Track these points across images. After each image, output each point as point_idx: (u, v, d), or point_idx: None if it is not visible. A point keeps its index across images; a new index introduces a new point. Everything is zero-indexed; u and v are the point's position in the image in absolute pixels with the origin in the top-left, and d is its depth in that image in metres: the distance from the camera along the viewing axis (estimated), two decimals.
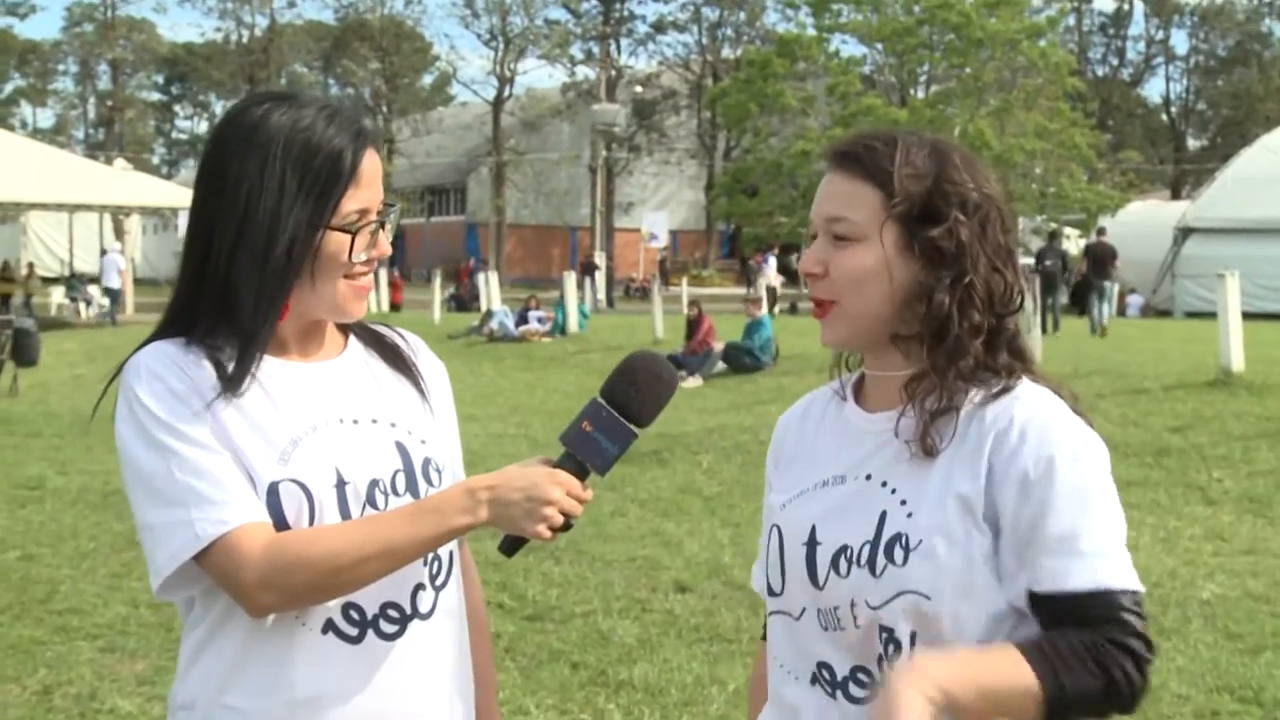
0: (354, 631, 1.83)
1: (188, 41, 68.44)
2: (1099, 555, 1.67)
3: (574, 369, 18.64)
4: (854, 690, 1.77)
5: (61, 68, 74.59)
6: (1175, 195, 51.74)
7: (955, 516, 1.70)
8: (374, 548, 1.75)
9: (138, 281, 38.53)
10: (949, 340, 1.74)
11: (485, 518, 1.77)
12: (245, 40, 57.42)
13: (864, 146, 1.80)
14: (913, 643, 1.71)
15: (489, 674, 2.14)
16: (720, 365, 16.74)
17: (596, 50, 57.53)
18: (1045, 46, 37.90)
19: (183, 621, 1.90)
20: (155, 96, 75.76)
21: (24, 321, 17.37)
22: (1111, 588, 1.66)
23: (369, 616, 1.84)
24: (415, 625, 1.88)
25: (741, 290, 39.41)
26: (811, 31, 40.59)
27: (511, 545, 1.85)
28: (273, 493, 1.78)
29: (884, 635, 1.73)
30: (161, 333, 1.89)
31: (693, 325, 17.90)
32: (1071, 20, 57.02)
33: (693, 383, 16.13)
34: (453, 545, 1.98)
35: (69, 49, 72.15)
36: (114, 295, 31.38)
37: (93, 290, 34.90)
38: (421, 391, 2.01)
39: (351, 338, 2.00)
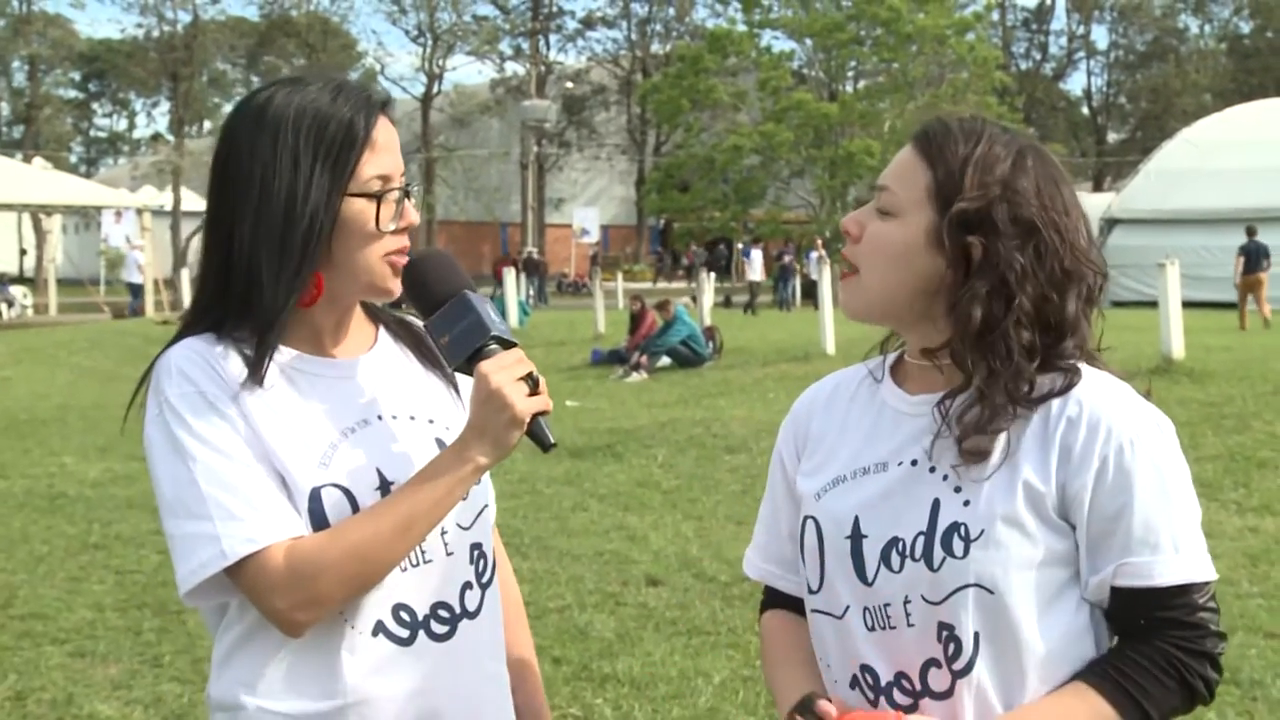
0: (405, 634, 1.77)
1: (106, 38, 67.10)
2: (1181, 548, 1.61)
3: None
4: (898, 697, 1.67)
5: None
6: (1097, 187, 52.52)
7: (1023, 507, 1.61)
8: (389, 526, 1.69)
9: (60, 282, 37.83)
10: (1000, 366, 1.63)
11: (486, 461, 1.72)
12: (167, 36, 56.37)
13: (941, 127, 1.70)
14: (976, 642, 1.62)
15: (534, 662, 2.09)
16: (665, 360, 16.76)
17: (525, 46, 57.34)
18: (973, 41, 38.36)
19: (211, 626, 1.82)
20: (72, 94, 74.27)
21: None
22: (1193, 582, 1.62)
23: (420, 617, 1.78)
24: (464, 625, 1.83)
25: (672, 285, 39.44)
26: (742, 27, 40.78)
27: (540, 440, 1.75)
28: (315, 499, 1.71)
29: (944, 633, 1.63)
30: (190, 329, 1.80)
31: (636, 320, 17.89)
32: (996, 16, 57.66)
33: (637, 377, 16.14)
34: (495, 543, 1.95)
35: None
36: (137, 290, 31.38)
37: (14, 291, 34.30)
38: (453, 385, 1.95)
39: (381, 329, 1.93)
